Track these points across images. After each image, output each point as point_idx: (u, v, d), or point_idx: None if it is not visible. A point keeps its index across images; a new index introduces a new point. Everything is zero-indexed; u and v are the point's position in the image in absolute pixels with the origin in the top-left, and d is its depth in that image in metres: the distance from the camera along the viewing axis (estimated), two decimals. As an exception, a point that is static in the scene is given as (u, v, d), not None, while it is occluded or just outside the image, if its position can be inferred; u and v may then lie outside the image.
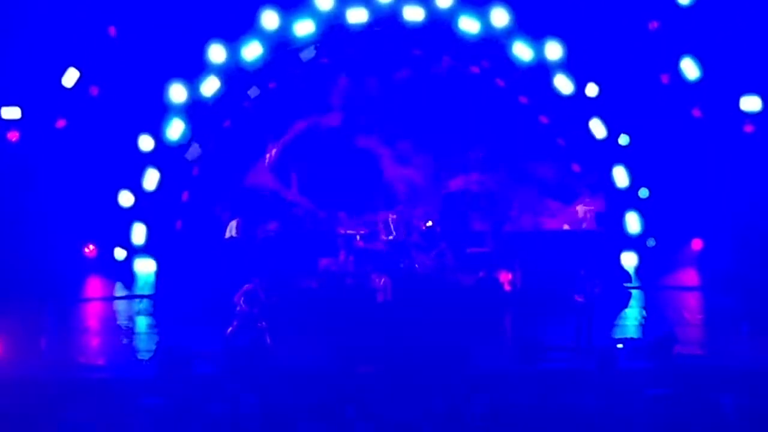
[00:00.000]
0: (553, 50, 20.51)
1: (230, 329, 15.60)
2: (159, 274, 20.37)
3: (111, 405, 13.99)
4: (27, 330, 16.81)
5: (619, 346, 15.89)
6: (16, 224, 19.40)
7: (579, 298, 18.18)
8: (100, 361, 15.90)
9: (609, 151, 20.70)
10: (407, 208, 20.89)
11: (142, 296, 19.62)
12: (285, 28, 20.42)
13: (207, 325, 16.53)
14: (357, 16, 20.54)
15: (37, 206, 19.62)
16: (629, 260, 20.63)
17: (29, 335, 16.58)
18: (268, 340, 15.47)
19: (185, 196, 21.00)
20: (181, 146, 20.65)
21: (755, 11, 20.18)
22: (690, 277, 20.44)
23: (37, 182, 19.74)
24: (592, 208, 20.87)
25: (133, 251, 20.67)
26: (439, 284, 19.46)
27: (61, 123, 19.98)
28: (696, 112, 20.62)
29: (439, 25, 20.64)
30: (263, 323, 15.53)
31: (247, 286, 15.66)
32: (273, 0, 20.38)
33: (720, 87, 20.42)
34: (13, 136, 19.73)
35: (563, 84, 20.58)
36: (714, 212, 20.56)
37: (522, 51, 20.54)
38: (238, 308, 15.58)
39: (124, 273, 20.50)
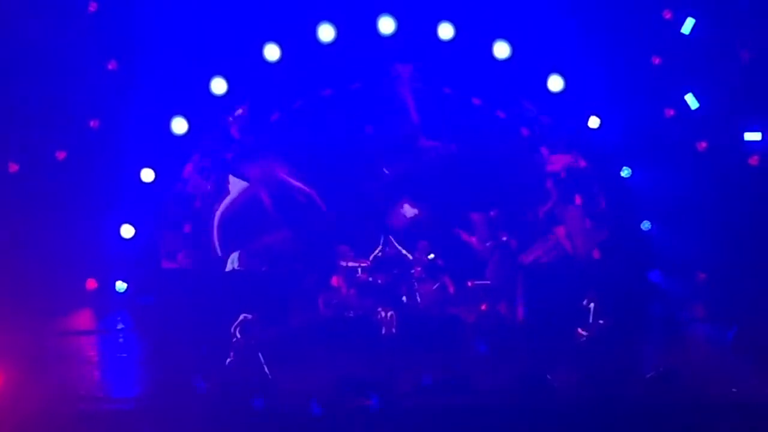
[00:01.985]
0: (556, 84, 20.54)
1: (228, 361, 15.57)
2: (159, 306, 20.28)
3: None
4: (26, 363, 16.74)
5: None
6: (16, 257, 19.31)
7: (582, 331, 18.17)
8: (99, 393, 15.86)
9: (611, 184, 20.67)
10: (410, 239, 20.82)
11: (141, 329, 19.63)
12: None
13: (206, 357, 16.47)
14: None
15: (36, 239, 19.55)
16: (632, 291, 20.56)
17: (28, 368, 16.51)
18: (267, 373, 15.41)
19: (188, 228, 20.94)
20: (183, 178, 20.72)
21: (759, 43, 20.12)
22: (694, 309, 20.34)
23: (37, 214, 19.67)
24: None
25: (134, 284, 20.60)
26: (440, 318, 19.44)
27: (61, 155, 19.96)
28: (701, 145, 20.51)
29: (441, 58, 20.75)
30: (261, 355, 15.49)
31: (243, 316, 15.63)
32: (275, 35, 20.47)
33: (724, 120, 20.33)
34: (13, 167, 19.73)
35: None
36: (719, 245, 20.40)
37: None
38: (234, 340, 15.55)
39: (125, 306, 20.45)
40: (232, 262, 20.78)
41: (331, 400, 14.85)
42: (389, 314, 18.97)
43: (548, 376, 15.46)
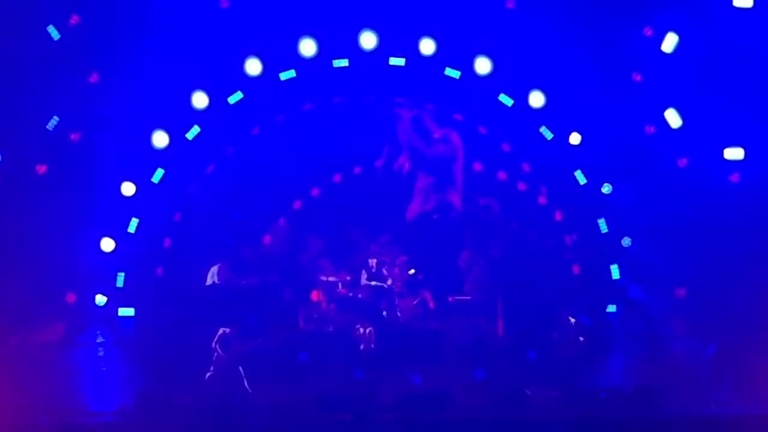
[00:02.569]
0: (537, 100, 20.59)
1: (208, 374, 15.52)
2: (139, 320, 20.25)
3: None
4: (5, 376, 16.66)
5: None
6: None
7: (561, 345, 18.16)
8: (79, 406, 15.79)
9: (592, 201, 20.73)
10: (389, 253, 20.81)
11: (120, 342, 19.59)
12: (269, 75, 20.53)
13: (185, 371, 16.42)
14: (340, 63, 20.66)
15: (16, 252, 19.47)
16: (612, 307, 20.60)
17: (7, 381, 16.43)
18: (247, 387, 15.37)
19: (167, 242, 20.90)
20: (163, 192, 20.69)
21: (741, 60, 20.18)
22: (673, 325, 20.39)
23: (17, 228, 19.59)
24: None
25: (115, 297, 20.55)
26: (421, 333, 19.41)
27: (41, 168, 19.89)
28: (681, 162, 20.56)
29: (423, 73, 20.76)
30: (240, 369, 15.45)
31: (222, 330, 15.58)
32: (256, 49, 20.47)
33: (705, 137, 20.38)
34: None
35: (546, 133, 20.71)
36: (699, 261, 20.45)
37: (505, 100, 20.66)
38: (215, 355, 15.51)
39: (104, 319, 20.40)
40: (212, 276, 20.74)
41: (311, 415, 14.84)
42: (368, 330, 18.95)
43: (527, 392, 15.47)
